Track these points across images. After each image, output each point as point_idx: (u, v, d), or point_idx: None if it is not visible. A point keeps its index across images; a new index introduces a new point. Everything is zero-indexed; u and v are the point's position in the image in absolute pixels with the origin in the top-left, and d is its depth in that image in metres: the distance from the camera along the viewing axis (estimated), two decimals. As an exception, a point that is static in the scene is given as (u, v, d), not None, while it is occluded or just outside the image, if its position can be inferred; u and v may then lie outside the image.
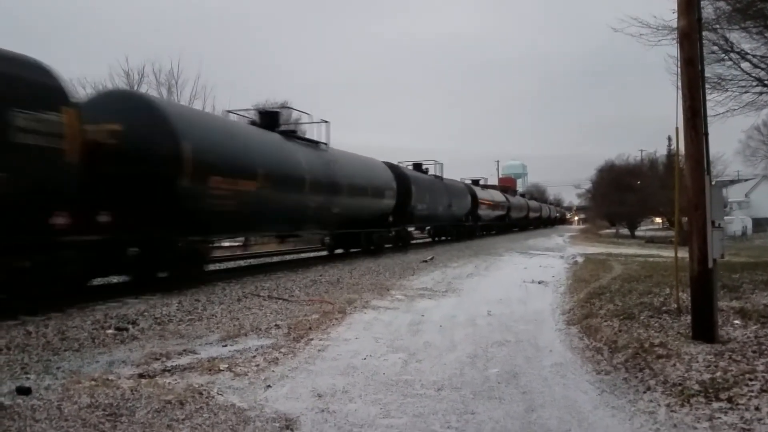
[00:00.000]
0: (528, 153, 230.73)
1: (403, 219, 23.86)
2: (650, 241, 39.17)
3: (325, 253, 21.32)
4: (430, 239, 32.74)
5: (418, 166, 28.83)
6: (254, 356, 6.32)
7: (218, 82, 78.72)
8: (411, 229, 28.55)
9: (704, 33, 9.88)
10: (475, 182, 41.55)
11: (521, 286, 12.88)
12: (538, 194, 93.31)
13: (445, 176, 33.36)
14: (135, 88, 31.73)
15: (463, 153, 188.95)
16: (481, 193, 37.87)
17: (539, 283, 13.42)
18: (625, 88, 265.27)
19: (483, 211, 37.82)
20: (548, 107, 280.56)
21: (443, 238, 32.86)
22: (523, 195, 66.41)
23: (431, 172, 30.34)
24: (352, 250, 21.12)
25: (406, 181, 23.58)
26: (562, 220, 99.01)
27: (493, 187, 52.55)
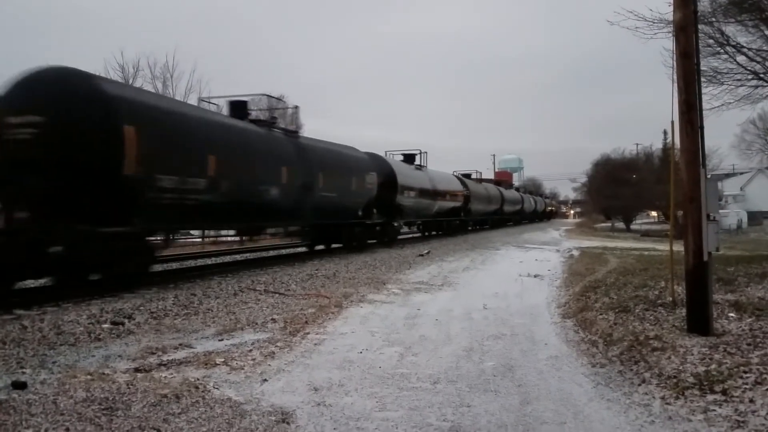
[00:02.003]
0: (525, 147, 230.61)
1: (115, 213, 10.06)
2: (646, 234, 39.31)
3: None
4: (304, 249, 20.07)
5: (238, 107, 15.07)
6: (250, 350, 6.33)
7: (217, 77, 78.65)
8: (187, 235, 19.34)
9: (700, 26, 9.90)
10: (409, 158, 27.62)
11: (517, 279, 12.91)
12: (533, 188, 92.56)
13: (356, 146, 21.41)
14: (130, 81, 31.63)
15: (461, 149, 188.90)
16: (406, 175, 24.34)
17: (535, 276, 13.46)
18: (624, 84, 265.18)
19: (409, 201, 24.52)
20: (546, 102, 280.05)
21: (325, 246, 19.91)
22: (498, 183, 52.02)
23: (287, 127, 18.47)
24: None
25: (107, 121, 9.72)
26: (552, 214, 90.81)
27: (478, 175, 42.05)
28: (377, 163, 22.16)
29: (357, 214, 19.98)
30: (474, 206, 35.96)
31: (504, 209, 46.06)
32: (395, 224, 24.07)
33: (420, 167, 27.88)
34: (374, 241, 21.81)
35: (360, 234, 20.20)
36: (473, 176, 40.20)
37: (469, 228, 38.64)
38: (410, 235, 30.79)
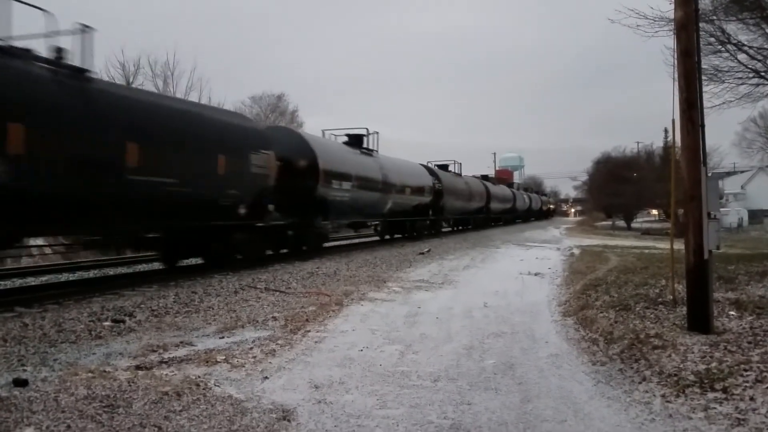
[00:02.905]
0: (526, 146, 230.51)
1: None
2: (646, 232, 39.33)
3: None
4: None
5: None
6: (251, 348, 6.33)
7: (218, 75, 78.67)
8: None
9: (701, 24, 9.90)
10: (356, 140, 21.16)
11: (518, 278, 12.91)
12: (534, 186, 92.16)
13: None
14: (131, 80, 31.65)
15: (462, 146, 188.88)
16: (336, 159, 17.96)
17: (535, 274, 13.45)
18: (624, 81, 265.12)
19: (342, 194, 18.00)
20: (547, 101, 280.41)
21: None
22: (486, 177, 44.98)
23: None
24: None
25: None
26: (551, 213, 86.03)
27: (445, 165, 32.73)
28: (283, 137, 15.76)
29: (236, 212, 13.02)
30: (449, 203, 29.54)
31: (491, 207, 40.10)
32: (317, 227, 17.09)
33: (368, 151, 21.27)
34: (285, 251, 15.91)
35: (245, 242, 13.58)
36: (450, 168, 33.37)
37: (444, 230, 32.50)
38: (356, 240, 24.78)
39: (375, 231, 25.81)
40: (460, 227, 36.60)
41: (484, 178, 44.10)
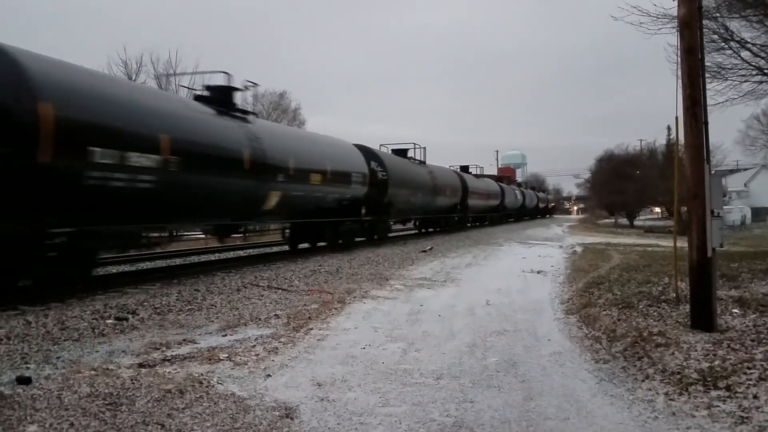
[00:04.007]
0: (529, 143, 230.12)
1: None
2: (649, 230, 39.24)
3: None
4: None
5: None
6: (254, 346, 6.34)
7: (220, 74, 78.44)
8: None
9: (704, 21, 9.85)
10: (219, 94, 13.11)
11: (520, 275, 12.90)
12: (537, 184, 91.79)
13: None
14: (134, 77, 31.64)
15: (464, 144, 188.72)
16: (86, 102, 8.81)
17: (538, 272, 13.44)
18: (628, 79, 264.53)
19: (118, 176, 9.24)
20: (549, 98, 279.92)
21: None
22: (465, 170, 38.37)
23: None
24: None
25: None
26: (551, 211, 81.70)
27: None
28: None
29: None
30: (401, 198, 22.49)
31: (469, 204, 32.94)
32: (43, 240, 8.51)
33: (242, 115, 13.62)
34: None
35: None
36: (410, 154, 25.85)
37: (393, 234, 24.87)
38: (232, 254, 17.88)
39: (283, 238, 19.13)
40: (431, 229, 30.47)
41: (464, 169, 37.78)
